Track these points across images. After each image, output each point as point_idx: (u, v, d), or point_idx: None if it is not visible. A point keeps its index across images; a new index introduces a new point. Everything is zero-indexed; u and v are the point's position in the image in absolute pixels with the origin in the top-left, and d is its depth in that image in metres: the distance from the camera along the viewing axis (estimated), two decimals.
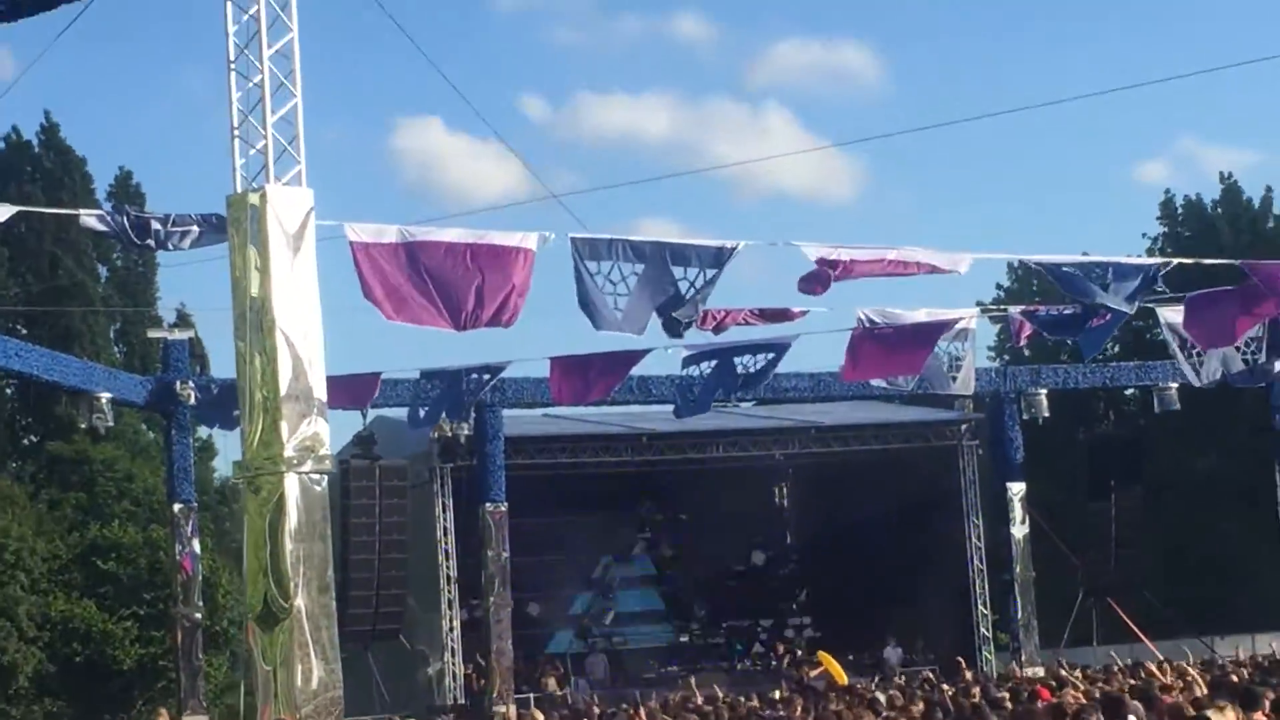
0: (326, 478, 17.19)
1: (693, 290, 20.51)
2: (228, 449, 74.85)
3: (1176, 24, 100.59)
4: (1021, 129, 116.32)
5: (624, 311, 20.44)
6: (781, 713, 25.65)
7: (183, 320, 56.27)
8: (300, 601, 16.70)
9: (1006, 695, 22.89)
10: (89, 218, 24.26)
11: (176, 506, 38.72)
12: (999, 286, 65.25)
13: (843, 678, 35.36)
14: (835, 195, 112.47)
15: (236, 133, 17.74)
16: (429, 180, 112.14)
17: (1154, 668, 27.45)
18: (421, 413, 32.91)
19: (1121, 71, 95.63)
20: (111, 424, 38.76)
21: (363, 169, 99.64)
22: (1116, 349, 57.88)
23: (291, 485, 16.71)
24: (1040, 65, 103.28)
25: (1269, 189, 63.18)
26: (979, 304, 53.25)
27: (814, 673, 40.83)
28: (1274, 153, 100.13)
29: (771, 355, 29.88)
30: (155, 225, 21.96)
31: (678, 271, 20.45)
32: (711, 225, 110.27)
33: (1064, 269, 24.86)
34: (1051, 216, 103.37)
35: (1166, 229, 63.72)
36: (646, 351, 29.29)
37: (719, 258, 20.85)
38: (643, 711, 27.62)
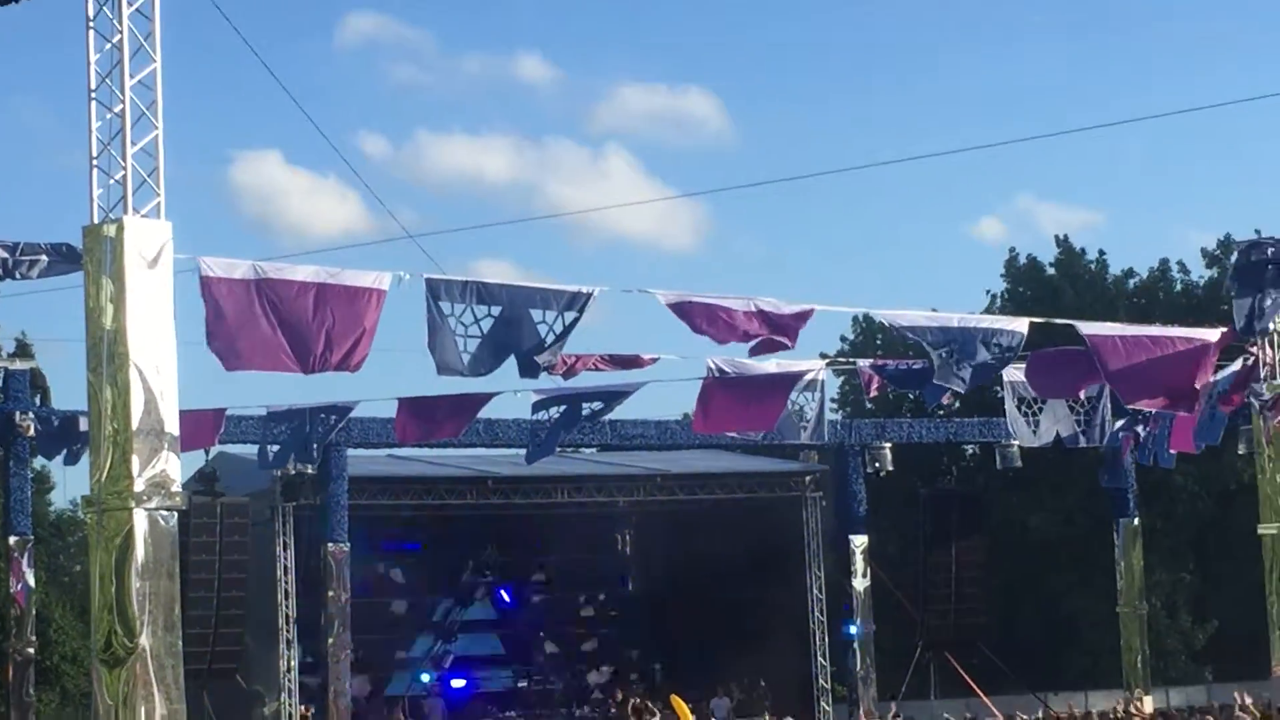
0: (175, 514, 16.96)
1: (552, 335, 20.46)
2: (65, 482, 73.54)
3: (1015, 84, 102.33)
4: (865, 182, 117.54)
5: (471, 354, 20.31)
6: None
7: (23, 350, 55.37)
8: (145, 640, 16.40)
9: None
10: None
11: (12, 539, 38.13)
12: (843, 339, 65.72)
13: None
14: (677, 242, 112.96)
15: (95, 163, 17.48)
16: (268, 214, 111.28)
17: None
18: (271, 454, 32.55)
19: (960, 130, 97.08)
20: None
21: (201, 201, 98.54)
22: (958, 405, 58.47)
23: (140, 521, 16.40)
24: (884, 120, 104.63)
25: (1102, 252, 64.21)
26: (823, 355, 53.57)
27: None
28: (1106, 212, 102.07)
29: (612, 401, 29.86)
30: (3, 254, 21.60)
31: (536, 315, 20.39)
32: (551, 268, 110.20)
33: (914, 329, 24.66)
34: (896, 269, 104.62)
35: (1008, 285, 64.47)
36: (494, 395, 29.17)
37: (574, 302, 20.80)
38: None
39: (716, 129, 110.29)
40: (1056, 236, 65.35)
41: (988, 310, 60.26)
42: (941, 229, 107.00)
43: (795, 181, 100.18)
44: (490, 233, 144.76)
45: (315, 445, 32.13)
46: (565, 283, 20.99)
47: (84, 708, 45.70)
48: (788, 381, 27.75)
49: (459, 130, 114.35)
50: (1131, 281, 63.42)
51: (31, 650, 38.48)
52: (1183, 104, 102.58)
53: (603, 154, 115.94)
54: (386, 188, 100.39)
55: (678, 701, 37.78)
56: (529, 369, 20.65)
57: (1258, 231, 30.78)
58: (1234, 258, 24.33)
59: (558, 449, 34.21)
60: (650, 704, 43.35)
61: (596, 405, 29.77)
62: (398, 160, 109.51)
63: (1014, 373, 29.48)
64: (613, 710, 45.87)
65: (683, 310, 22.02)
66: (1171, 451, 32.41)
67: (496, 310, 20.24)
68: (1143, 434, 32.68)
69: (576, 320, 20.51)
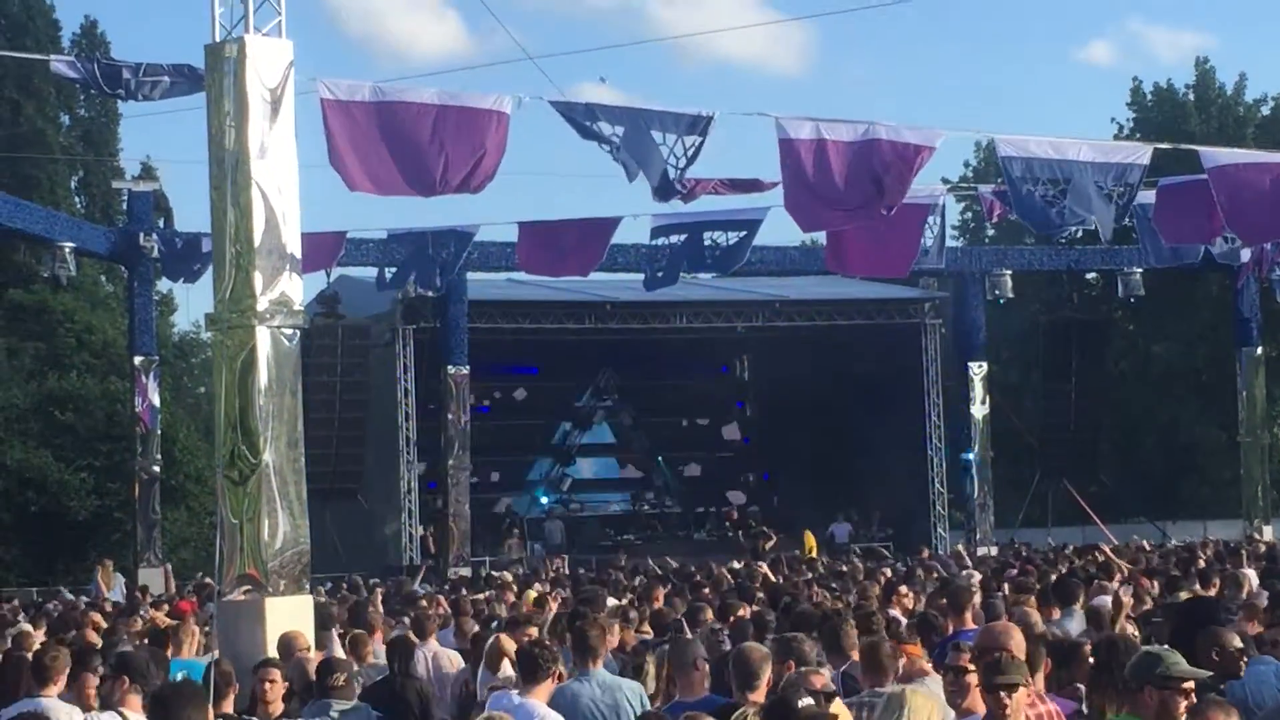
0: (298, 333, 17.09)
1: (674, 157, 20.23)
2: (188, 304, 74.18)
3: None
4: (972, 6, 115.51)
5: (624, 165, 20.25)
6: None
7: (147, 172, 55.86)
8: (269, 456, 16.60)
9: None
10: (59, 63, 24.15)
11: (137, 359, 38.68)
12: (967, 165, 65.16)
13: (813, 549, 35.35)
14: (783, 66, 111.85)
15: None
16: (369, 35, 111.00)
17: (1109, 550, 27.56)
18: (389, 275, 32.72)
19: None
20: (74, 274, 38.61)
21: (304, 21, 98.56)
22: (1080, 233, 57.84)
23: (263, 339, 16.54)
24: None
25: (1243, 75, 62.91)
26: (944, 181, 53.24)
27: (769, 545, 41.06)
28: (1219, 36, 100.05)
29: (743, 233, 29.52)
30: (126, 74, 21.76)
31: (657, 137, 20.22)
32: (656, 92, 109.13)
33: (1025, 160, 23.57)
34: (1008, 98, 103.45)
35: (1136, 114, 63.34)
36: (618, 221, 29.06)
37: (694, 125, 20.60)
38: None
39: None
40: (1197, 58, 64.36)
41: (1114, 138, 59.34)
42: (1057, 54, 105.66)
43: (902, 4, 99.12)
44: (591, 57, 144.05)
45: (441, 275, 32.22)
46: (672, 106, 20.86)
47: (209, 525, 46.45)
48: (918, 214, 26.51)
49: None
50: (1264, 109, 62.23)
51: (157, 469, 39.23)
52: None
53: None
54: (487, 10, 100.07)
55: (808, 535, 37.85)
56: (664, 188, 20.43)
57: None
58: None
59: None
60: (767, 529, 43.56)
61: (719, 236, 29.58)
62: None
63: (1143, 195, 28.75)
64: (730, 535, 46.08)
65: (790, 150, 21.14)
66: None
67: (620, 130, 20.15)
68: (1270, 256, 32.11)
69: (700, 143, 20.30)
